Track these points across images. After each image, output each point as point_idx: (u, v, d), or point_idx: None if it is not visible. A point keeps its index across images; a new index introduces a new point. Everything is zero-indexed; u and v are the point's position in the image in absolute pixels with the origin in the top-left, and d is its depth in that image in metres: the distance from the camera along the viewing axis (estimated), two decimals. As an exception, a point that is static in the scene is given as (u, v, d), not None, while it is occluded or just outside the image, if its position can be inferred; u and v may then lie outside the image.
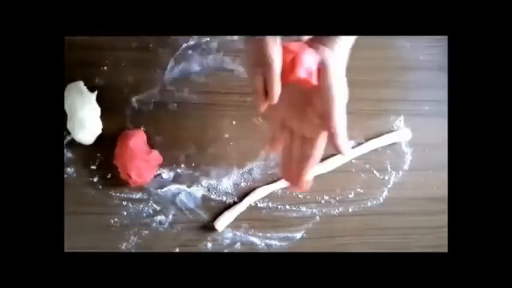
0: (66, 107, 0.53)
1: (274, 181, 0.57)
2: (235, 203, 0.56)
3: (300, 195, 0.57)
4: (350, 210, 0.58)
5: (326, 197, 0.58)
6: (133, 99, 0.57)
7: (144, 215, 0.55)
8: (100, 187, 0.55)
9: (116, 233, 0.54)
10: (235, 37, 0.60)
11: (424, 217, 0.59)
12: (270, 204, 0.57)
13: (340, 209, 0.58)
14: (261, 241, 0.56)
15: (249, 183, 0.57)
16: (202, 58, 0.58)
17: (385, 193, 0.59)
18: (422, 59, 0.64)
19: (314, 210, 0.57)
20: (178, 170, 0.56)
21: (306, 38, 0.46)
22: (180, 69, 0.59)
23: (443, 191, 0.60)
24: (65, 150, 0.54)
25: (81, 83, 0.55)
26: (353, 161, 0.59)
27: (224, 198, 0.56)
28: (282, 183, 0.57)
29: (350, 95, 0.60)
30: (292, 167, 0.45)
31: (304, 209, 0.57)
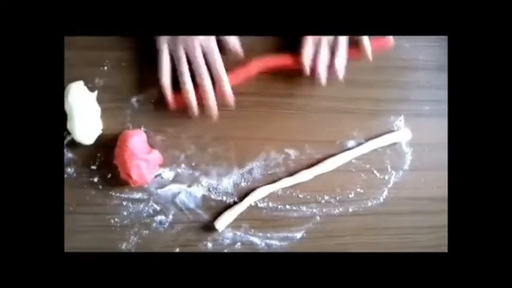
0: (66, 107, 0.53)
1: (275, 181, 0.57)
2: (235, 203, 0.56)
3: (300, 195, 0.57)
4: (350, 210, 0.58)
5: (326, 197, 0.58)
6: (133, 99, 0.57)
7: (144, 215, 0.55)
8: (100, 187, 0.55)
9: (116, 233, 0.54)
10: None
11: (424, 217, 0.59)
12: (270, 204, 0.57)
13: (340, 209, 0.58)
14: (261, 241, 0.56)
15: (249, 183, 0.57)
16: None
17: (385, 193, 0.59)
18: (422, 59, 0.64)
19: (314, 210, 0.57)
20: (179, 170, 0.56)
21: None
22: (180, 69, 0.59)
23: (443, 191, 0.60)
24: (65, 150, 0.54)
25: (81, 83, 0.54)
26: (353, 161, 0.59)
27: (224, 198, 0.56)
28: (283, 183, 0.57)
29: (350, 95, 0.61)
30: None
31: (304, 209, 0.57)
